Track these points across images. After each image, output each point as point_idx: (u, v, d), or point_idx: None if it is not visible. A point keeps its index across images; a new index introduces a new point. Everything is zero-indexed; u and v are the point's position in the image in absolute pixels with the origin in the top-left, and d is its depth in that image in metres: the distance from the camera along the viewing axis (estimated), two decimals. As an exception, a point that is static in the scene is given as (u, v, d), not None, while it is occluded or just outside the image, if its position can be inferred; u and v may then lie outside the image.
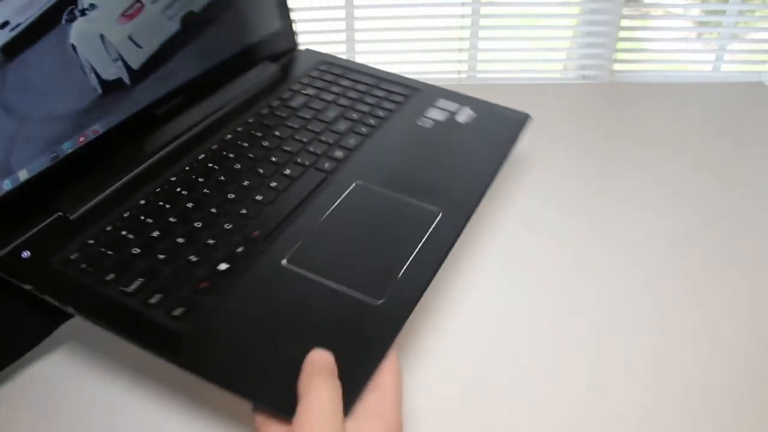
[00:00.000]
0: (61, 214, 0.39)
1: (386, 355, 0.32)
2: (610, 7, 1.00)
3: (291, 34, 0.58)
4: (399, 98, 0.55)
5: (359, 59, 1.07)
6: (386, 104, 0.54)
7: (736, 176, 0.74)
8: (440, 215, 0.41)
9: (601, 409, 0.48)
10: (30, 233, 0.37)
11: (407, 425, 0.40)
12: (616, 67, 1.03)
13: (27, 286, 0.35)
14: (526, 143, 0.78)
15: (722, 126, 0.85)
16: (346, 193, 0.43)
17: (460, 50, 1.06)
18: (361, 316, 0.34)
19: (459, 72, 1.06)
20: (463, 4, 1.02)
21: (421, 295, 0.36)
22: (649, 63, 1.08)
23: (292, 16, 0.58)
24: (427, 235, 0.40)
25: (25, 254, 0.36)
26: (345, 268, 0.37)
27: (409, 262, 0.38)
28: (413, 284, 0.36)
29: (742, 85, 0.98)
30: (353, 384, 0.30)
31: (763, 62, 1.05)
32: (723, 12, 1.05)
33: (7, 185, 0.37)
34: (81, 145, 0.40)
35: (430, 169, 0.47)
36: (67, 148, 0.40)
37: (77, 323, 0.44)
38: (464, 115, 0.53)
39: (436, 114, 0.53)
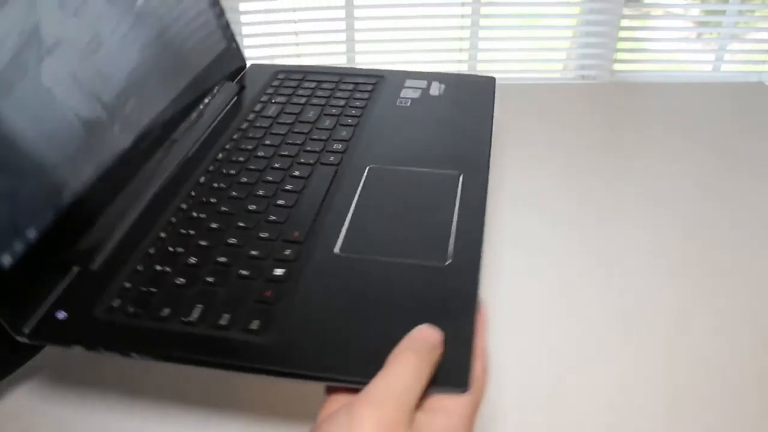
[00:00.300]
0: (79, 266, 0.37)
1: (475, 345, 0.30)
2: (610, 7, 1.00)
3: (239, 52, 0.59)
4: (368, 87, 0.57)
5: (359, 59, 1.08)
6: (359, 95, 0.56)
7: (736, 176, 0.74)
8: (462, 177, 0.43)
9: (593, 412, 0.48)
10: (56, 293, 0.36)
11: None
12: (616, 67, 1.04)
13: (75, 347, 0.33)
14: (525, 143, 0.78)
15: (722, 126, 0.85)
16: (364, 177, 0.44)
17: (460, 50, 1.06)
18: (437, 278, 0.35)
19: (459, 72, 1.06)
20: (463, 4, 1.02)
21: (482, 248, 0.37)
22: (649, 63, 1.08)
23: (237, 38, 0.60)
24: (459, 196, 0.41)
25: (61, 315, 0.34)
26: (399, 243, 0.38)
27: (455, 222, 0.39)
28: (470, 241, 0.37)
29: (742, 85, 0.98)
30: (460, 342, 0.30)
31: (763, 62, 1.05)
32: (723, 12, 1.05)
33: (20, 248, 0.34)
34: (80, 193, 0.39)
35: (431, 140, 0.48)
36: (67, 197, 0.38)
37: (49, 353, 0.43)
38: (435, 88, 0.56)
39: (410, 93, 0.56)
